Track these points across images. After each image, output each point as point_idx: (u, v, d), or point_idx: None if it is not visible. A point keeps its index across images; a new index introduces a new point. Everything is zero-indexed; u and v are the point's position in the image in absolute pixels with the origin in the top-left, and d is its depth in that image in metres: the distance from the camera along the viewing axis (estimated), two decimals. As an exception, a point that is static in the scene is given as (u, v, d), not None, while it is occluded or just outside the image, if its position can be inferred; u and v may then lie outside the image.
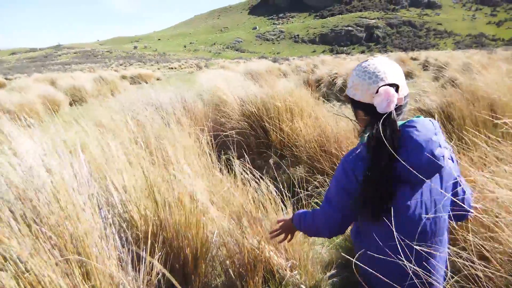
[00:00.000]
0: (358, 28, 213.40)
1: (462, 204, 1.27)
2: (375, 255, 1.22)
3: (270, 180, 2.10)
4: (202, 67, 33.63)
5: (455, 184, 1.28)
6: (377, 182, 1.16)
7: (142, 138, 2.11)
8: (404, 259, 1.13)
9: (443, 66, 11.18)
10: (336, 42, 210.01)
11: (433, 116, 2.96)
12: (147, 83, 23.12)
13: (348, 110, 1.53)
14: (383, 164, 1.15)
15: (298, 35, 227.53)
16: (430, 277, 1.20)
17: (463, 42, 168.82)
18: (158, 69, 40.45)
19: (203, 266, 1.90)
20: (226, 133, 3.60)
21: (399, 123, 1.20)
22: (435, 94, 3.76)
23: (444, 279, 1.32)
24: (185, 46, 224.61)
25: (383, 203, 1.17)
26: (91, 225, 1.44)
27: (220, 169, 2.35)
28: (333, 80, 9.87)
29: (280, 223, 1.63)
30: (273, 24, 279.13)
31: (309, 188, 2.91)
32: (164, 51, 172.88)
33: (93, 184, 1.70)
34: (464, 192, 1.32)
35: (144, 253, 1.50)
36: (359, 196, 1.20)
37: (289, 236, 1.62)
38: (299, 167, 3.54)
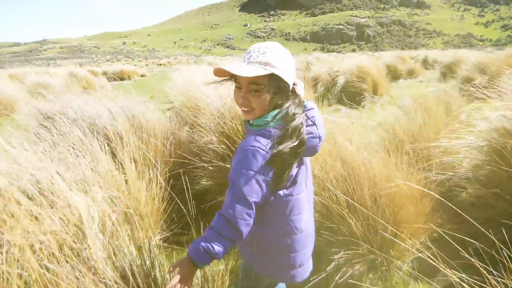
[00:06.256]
0: (349, 26, 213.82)
1: None
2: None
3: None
4: (191, 64, 32.21)
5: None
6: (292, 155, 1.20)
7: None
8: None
9: (452, 64, 10.16)
10: (327, 40, 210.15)
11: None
12: (130, 79, 21.76)
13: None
14: (300, 138, 1.20)
15: (289, 33, 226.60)
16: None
17: (451, 42, 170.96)
18: (147, 65, 38.95)
19: None
20: (196, 163, 2.39)
21: None
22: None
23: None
24: (175, 43, 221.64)
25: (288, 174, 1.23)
26: None
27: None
28: (333, 79, 8.68)
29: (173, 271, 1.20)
30: (264, 21, 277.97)
31: (332, 265, 1.72)
32: (154, 47, 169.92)
33: None
34: None
35: None
36: (277, 172, 1.19)
37: (189, 283, 1.19)
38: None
